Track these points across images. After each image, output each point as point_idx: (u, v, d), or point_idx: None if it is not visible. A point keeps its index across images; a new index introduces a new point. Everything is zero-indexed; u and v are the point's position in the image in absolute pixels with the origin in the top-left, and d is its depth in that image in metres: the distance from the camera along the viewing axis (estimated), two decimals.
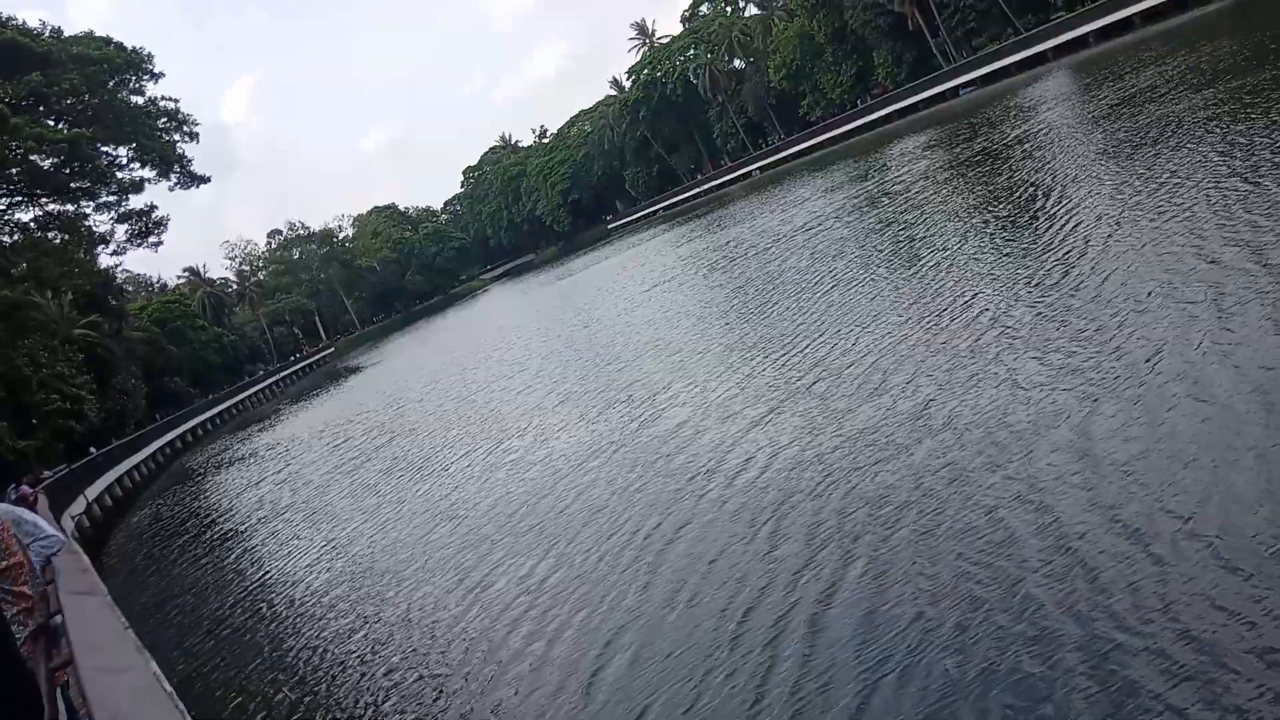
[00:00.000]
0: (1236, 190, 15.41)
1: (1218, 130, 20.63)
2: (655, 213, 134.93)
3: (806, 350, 18.19)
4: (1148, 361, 10.54)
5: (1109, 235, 16.35)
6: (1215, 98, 24.92)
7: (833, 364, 16.25)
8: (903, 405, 12.69)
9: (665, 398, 19.52)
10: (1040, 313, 13.97)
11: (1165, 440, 8.76)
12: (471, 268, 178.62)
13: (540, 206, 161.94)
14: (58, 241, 52.57)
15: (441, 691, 10.43)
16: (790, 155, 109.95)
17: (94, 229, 55.79)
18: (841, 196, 44.72)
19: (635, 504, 13.69)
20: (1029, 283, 15.80)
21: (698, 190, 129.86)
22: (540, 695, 9.34)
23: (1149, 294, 12.53)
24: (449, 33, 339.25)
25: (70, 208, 53.27)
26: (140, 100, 55.65)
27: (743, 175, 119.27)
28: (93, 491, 43.46)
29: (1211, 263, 12.59)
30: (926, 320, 16.51)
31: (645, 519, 12.81)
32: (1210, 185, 16.43)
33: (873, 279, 22.29)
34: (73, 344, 59.70)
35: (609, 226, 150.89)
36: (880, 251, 25.68)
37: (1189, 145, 20.42)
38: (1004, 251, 19.08)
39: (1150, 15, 65.41)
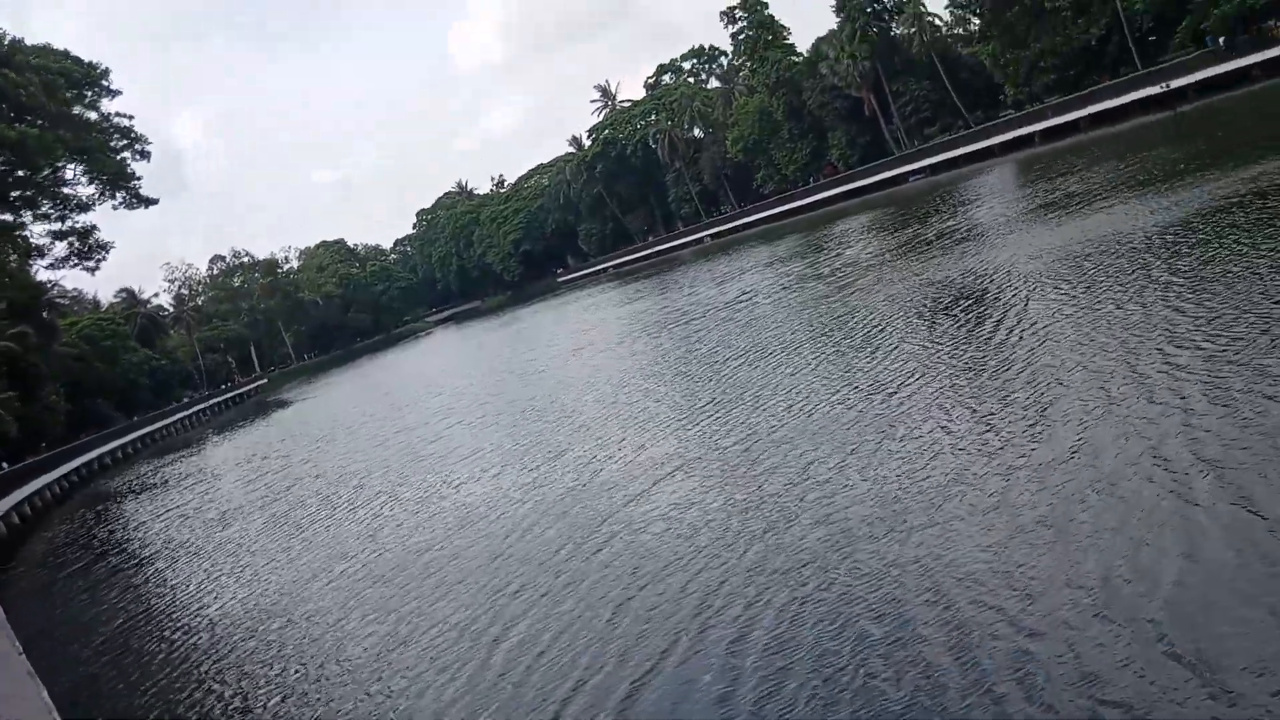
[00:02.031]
0: (1142, 298, 16.04)
1: (1133, 240, 21.51)
2: (606, 270, 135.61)
3: (713, 419, 18.53)
4: (1041, 427, 10.87)
5: (1017, 324, 16.91)
6: (1133, 207, 26.14)
7: (735, 435, 16.52)
8: (791, 473, 12.94)
9: (572, 457, 19.95)
10: (944, 393, 14.38)
11: (1060, 512, 9.01)
12: (416, 309, 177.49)
13: (491, 254, 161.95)
14: None
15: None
16: (741, 225, 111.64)
17: (30, 240, 54.62)
18: (777, 273, 45.85)
19: (513, 562, 13.94)
20: (940, 365, 16.22)
21: (649, 251, 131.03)
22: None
23: (1056, 376, 12.95)
24: (413, 77, 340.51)
25: (8, 216, 52.13)
26: (94, 116, 54.96)
27: (695, 241, 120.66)
28: (1, 507, 41.97)
29: (1107, 352, 13.06)
30: (829, 394, 16.98)
31: (523, 576, 12.99)
32: (1115, 292, 17.07)
33: (788, 355, 23.01)
34: None
35: (558, 279, 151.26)
36: (798, 330, 26.45)
37: (1103, 251, 21.24)
38: (918, 337, 19.69)
39: (1097, 119, 68.09)
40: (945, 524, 10.04)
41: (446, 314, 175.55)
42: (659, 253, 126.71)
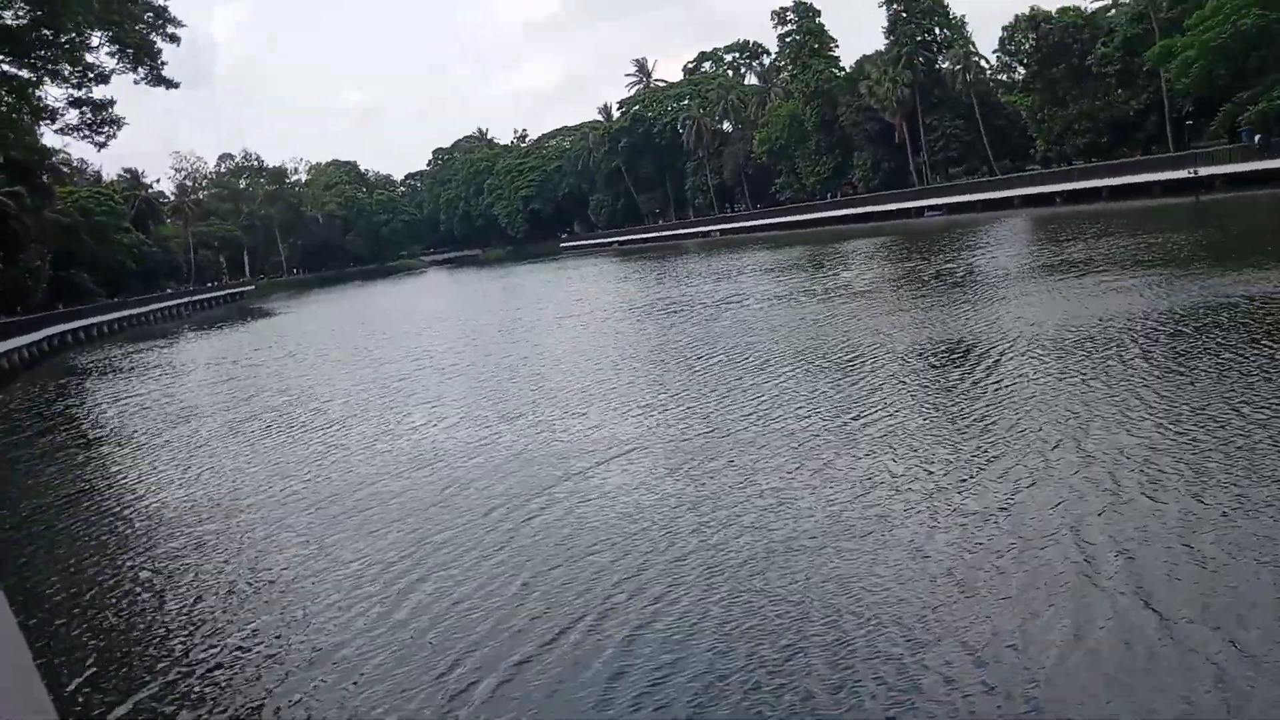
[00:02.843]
0: (1116, 375, 16.20)
1: (1116, 319, 21.66)
2: (611, 244, 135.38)
3: (675, 411, 18.60)
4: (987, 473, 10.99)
5: (983, 379, 17.03)
6: (1128, 286, 26.32)
7: (692, 430, 16.62)
8: (735, 477, 13.06)
9: (530, 420, 20.04)
10: (896, 430, 14.46)
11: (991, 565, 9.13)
12: (415, 245, 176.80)
13: (499, 206, 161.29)
14: (3, 102, 50.70)
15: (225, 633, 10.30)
16: (752, 226, 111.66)
17: (44, 101, 53.90)
18: (773, 280, 45.97)
19: (448, 512, 13.95)
20: (899, 404, 16.34)
21: (656, 234, 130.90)
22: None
23: (1004, 435, 13.07)
24: (454, 17, 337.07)
25: (26, 74, 51.44)
26: None
27: (703, 233, 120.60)
28: None
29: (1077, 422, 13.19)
30: (791, 408, 17.06)
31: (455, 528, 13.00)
32: (1097, 371, 17.22)
33: (761, 363, 23.17)
34: None
35: (562, 244, 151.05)
36: (777, 341, 26.59)
37: (1085, 324, 21.41)
38: (886, 372, 19.81)
39: (1120, 191, 68.29)
40: (861, 555, 10.18)
41: (444, 257, 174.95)
42: (665, 238, 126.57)
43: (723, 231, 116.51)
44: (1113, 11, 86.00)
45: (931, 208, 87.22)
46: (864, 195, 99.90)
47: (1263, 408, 13.25)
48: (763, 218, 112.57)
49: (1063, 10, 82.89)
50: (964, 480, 12.20)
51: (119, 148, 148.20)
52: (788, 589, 9.68)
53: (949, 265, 40.47)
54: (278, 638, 10.25)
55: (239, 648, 10.15)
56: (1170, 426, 13.03)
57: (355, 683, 8.88)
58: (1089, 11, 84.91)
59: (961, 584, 9.20)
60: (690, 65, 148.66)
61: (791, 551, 10.61)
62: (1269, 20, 59.02)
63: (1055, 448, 12.83)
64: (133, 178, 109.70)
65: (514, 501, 14.01)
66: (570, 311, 45.45)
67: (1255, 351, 16.76)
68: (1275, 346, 16.85)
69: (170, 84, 56.80)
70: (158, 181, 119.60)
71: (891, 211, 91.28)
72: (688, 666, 8.38)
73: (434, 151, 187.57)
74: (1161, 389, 15.12)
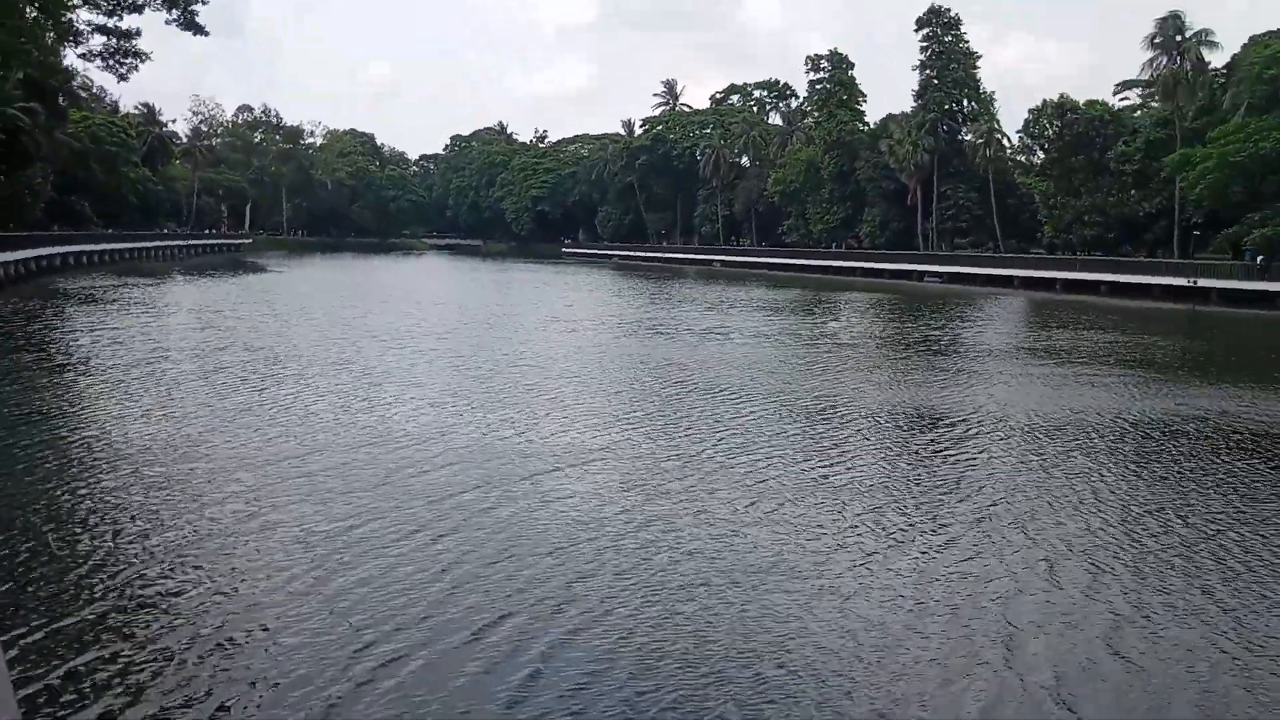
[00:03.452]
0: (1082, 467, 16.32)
1: (1085, 414, 21.84)
2: (612, 257, 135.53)
3: (644, 429, 18.63)
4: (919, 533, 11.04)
5: (945, 449, 17.13)
6: (1104, 383, 26.51)
7: (658, 450, 16.66)
8: (692, 503, 13.07)
9: (499, 416, 20.02)
10: (853, 484, 14.53)
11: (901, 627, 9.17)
12: (418, 226, 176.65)
13: (509, 202, 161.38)
14: (32, 16, 50.49)
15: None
16: (753, 263, 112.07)
17: (73, 23, 53.73)
18: (763, 318, 46.17)
19: (394, 493, 13.90)
20: (862, 460, 16.42)
21: (659, 255, 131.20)
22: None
23: (950, 509, 13.15)
24: (491, 9, 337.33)
25: None
26: None
27: (704, 261, 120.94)
28: None
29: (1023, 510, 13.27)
30: (759, 442, 17.10)
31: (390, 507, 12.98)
32: (1068, 455, 17.34)
33: (734, 395, 23.21)
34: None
35: (563, 248, 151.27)
36: (755, 378, 26.65)
37: (1053, 413, 21.58)
38: (855, 426, 19.89)
39: (1118, 288, 68.82)
40: (795, 598, 10.22)
41: (445, 242, 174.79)
42: (668, 260, 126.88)
43: (724, 263, 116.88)
44: (1139, 113, 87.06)
45: (932, 274, 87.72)
46: (868, 250, 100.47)
47: (1210, 520, 13.38)
48: (766, 256, 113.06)
49: (1090, 103, 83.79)
50: (908, 542, 12.29)
51: (140, 84, 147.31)
52: (718, 620, 9.71)
53: (936, 333, 40.79)
54: (202, 592, 10.17)
55: (160, 596, 10.08)
56: (1118, 525, 13.14)
57: (267, 649, 8.83)
58: (1115, 108, 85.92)
59: (885, 641, 9.25)
60: (719, 95, 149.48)
61: (730, 584, 10.67)
62: None
63: (1003, 526, 12.92)
64: (149, 114, 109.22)
65: (465, 492, 13.99)
66: (559, 316, 45.56)
67: (1213, 465, 16.94)
68: (1232, 463, 17.02)
69: (201, 30, 56.65)
70: (173, 122, 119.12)
71: (892, 271, 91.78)
72: (601, 683, 8.38)
73: (452, 137, 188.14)
74: (1117, 487, 15.26)
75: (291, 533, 11.94)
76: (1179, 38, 75.94)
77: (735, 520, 13.05)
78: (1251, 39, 76.84)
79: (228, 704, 7.85)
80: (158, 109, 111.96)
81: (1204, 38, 75.83)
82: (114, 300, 46.07)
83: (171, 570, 10.70)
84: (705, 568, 11.19)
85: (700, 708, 7.96)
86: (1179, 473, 16.37)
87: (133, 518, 12.68)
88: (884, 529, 12.79)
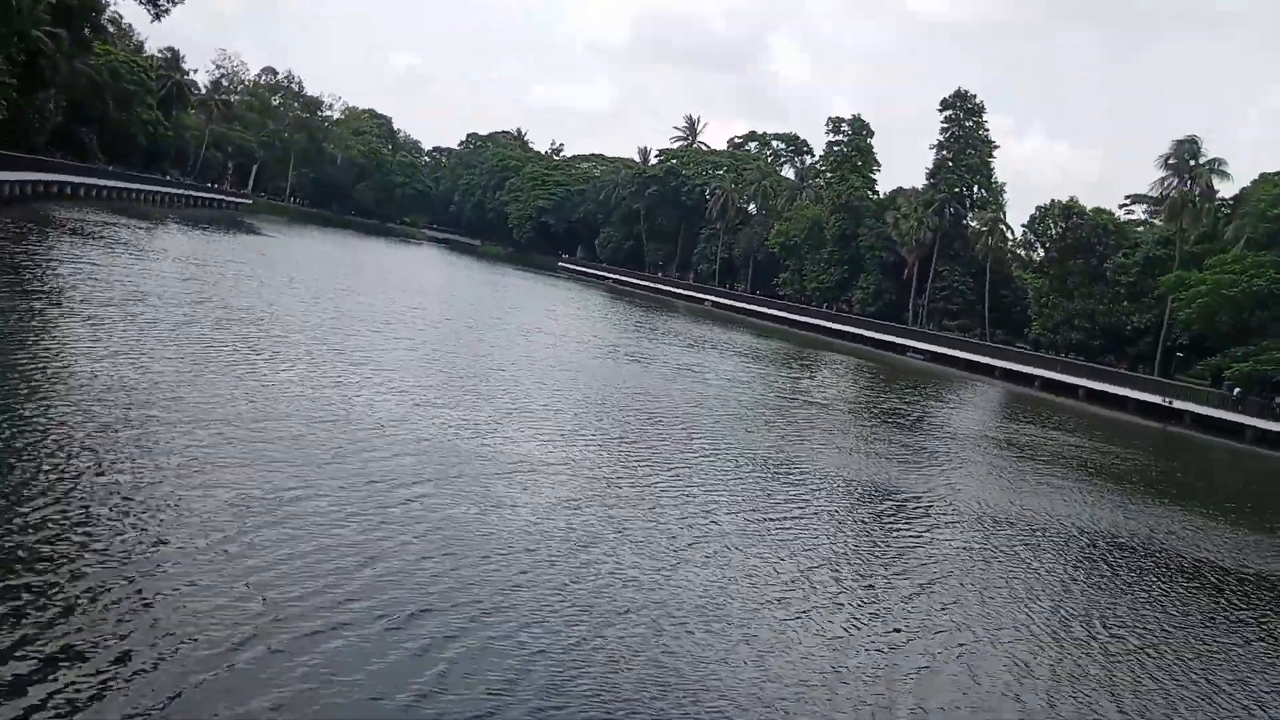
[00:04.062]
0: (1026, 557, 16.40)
1: (1037, 515, 21.99)
2: (607, 279, 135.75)
3: (609, 453, 18.63)
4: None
5: (893, 526, 17.19)
6: (1061, 486, 26.70)
7: (618, 477, 16.67)
8: (641, 536, 13.09)
9: (464, 415, 19.99)
10: (800, 540, 14.56)
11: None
12: (420, 216, 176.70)
13: (513, 207, 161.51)
14: None
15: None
16: (744, 309, 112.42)
17: None
18: (742, 363, 46.24)
19: (344, 476, 13.82)
20: (816, 520, 16.46)
21: (653, 285, 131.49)
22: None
23: (891, 586, 13.20)
24: (525, 19, 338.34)
25: None
26: None
27: (697, 299, 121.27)
28: None
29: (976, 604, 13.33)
30: (719, 487, 17.14)
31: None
32: (1017, 541, 17.43)
33: (701, 436, 23.20)
34: (23, 40, 56.91)
35: (560, 262, 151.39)
36: (723, 421, 26.66)
37: (1005, 507, 21.72)
38: (810, 485, 19.95)
39: (1095, 395, 69.38)
40: (720, 640, 10.24)
41: (444, 236, 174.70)
42: (661, 291, 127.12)
43: (716, 304, 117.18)
44: (1142, 228, 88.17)
45: (916, 350, 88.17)
46: (857, 316, 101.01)
47: (1135, 635, 13.51)
48: (758, 304, 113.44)
49: (1097, 210, 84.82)
50: (838, 608, 12.34)
51: (168, 28, 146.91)
52: (635, 651, 9.72)
53: (906, 407, 40.99)
54: (125, 541, 10.06)
55: (84, 538, 9.96)
56: (1044, 625, 13.26)
57: (176, 610, 8.74)
58: (1120, 219, 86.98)
59: (792, 702, 9.27)
60: (738, 140, 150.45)
61: (656, 617, 10.73)
62: None
63: (934, 608, 12.98)
64: (172, 59, 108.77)
65: (414, 484, 13.96)
66: (542, 327, 45.52)
67: (1150, 582, 17.10)
68: (1170, 584, 17.19)
69: None
70: (195, 72, 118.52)
71: (878, 340, 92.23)
72: (507, 695, 8.35)
73: (468, 134, 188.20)
74: (1051, 588, 15.41)
75: (229, 495, 11.86)
76: (1193, 162, 77.07)
77: (674, 556, 13.10)
78: (1262, 176, 78.07)
79: (127, 654, 7.77)
80: (182, 56, 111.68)
81: (1217, 166, 76.99)
82: (101, 236, 45.69)
83: (102, 514, 10.60)
84: (636, 598, 11.22)
85: None
86: (1115, 584, 16.50)
87: (77, 457, 12.52)
88: (817, 590, 12.83)
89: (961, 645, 11.62)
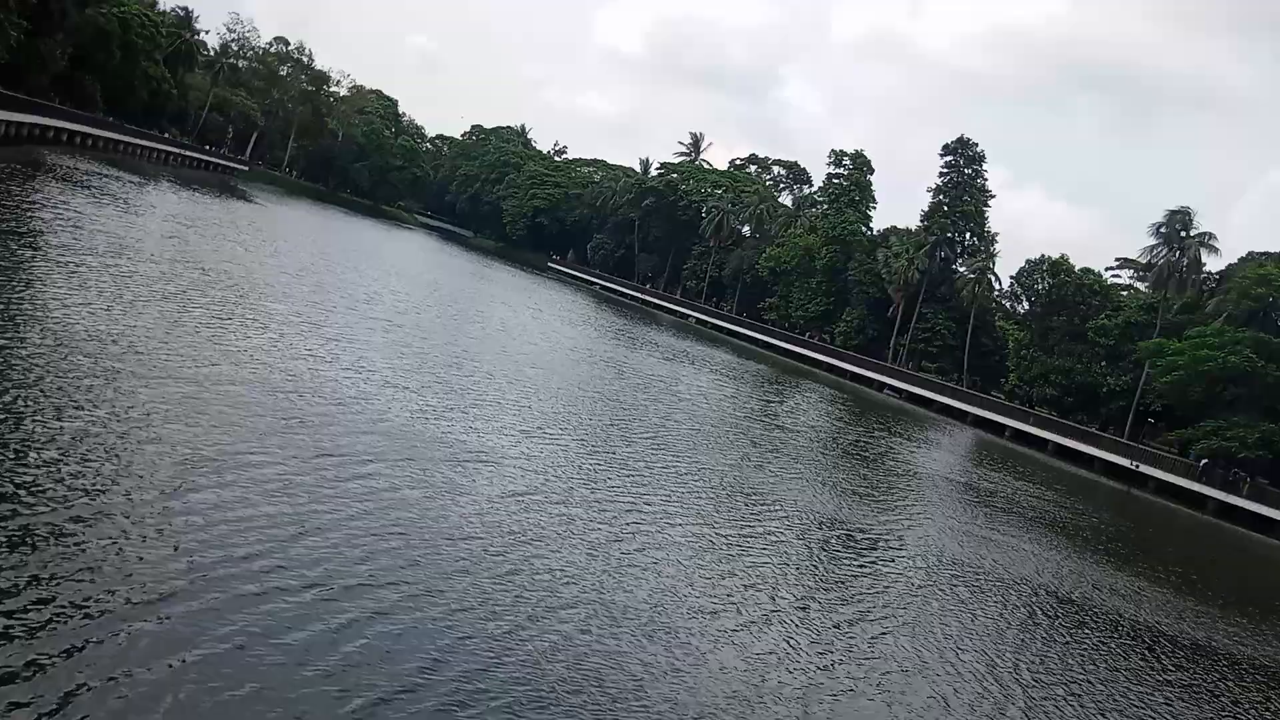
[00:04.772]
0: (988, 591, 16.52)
1: (983, 561, 22.15)
2: (595, 285, 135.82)
3: (576, 455, 18.65)
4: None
5: (845, 554, 17.29)
6: (1017, 537, 26.91)
7: (579, 477, 16.70)
8: (601, 539, 13.10)
9: (431, 402, 19.93)
10: (750, 564, 14.63)
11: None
12: (414, 201, 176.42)
13: (510, 203, 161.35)
14: None
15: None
16: (727, 329, 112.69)
17: None
18: (717, 381, 46.33)
19: (301, 449, 13.79)
20: (773, 548, 16.53)
21: (639, 295, 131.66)
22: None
23: (837, 617, 13.28)
24: (544, 17, 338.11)
25: None
26: None
27: (681, 314, 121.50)
28: None
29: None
30: (678, 495, 17.19)
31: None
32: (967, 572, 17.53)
33: (667, 447, 23.20)
34: None
35: (550, 262, 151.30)
36: (689, 434, 26.69)
37: (958, 551, 21.86)
38: (769, 512, 20.01)
39: (1063, 451, 69.93)
40: (641, 648, 10.24)
41: (436, 224, 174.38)
42: (647, 303, 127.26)
43: (701, 321, 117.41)
44: (1126, 293, 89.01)
45: (893, 388, 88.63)
46: (838, 349, 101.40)
47: (1061, 681, 13.66)
48: (742, 325, 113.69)
49: (1084, 270, 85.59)
50: (767, 625, 12.45)
51: None
52: (566, 645, 9.80)
53: (870, 440, 41.15)
54: (57, 486, 9.98)
55: (15, 479, 9.89)
56: (971, 663, 13.34)
57: (106, 560, 8.73)
58: (1106, 281, 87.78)
59: (703, 703, 9.35)
60: (739, 161, 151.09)
61: (598, 615, 10.83)
62: (1255, 365, 61.37)
63: (864, 638, 13.06)
64: (184, 18, 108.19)
65: (368, 462, 13.94)
66: (523, 324, 45.50)
67: (1080, 635, 17.27)
68: (1098, 640, 17.35)
69: None
70: (206, 33, 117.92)
71: (856, 374, 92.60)
72: (433, 671, 8.37)
73: (473, 126, 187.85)
74: (985, 630, 15.52)
75: (178, 453, 11.82)
76: (1184, 233, 78.03)
77: (617, 560, 13.16)
78: (1250, 254, 79.15)
79: (53, 596, 7.76)
80: (194, 15, 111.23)
81: (1207, 240, 77.94)
82: (92, 186, 45.41)
83: (47, 459, 10.54)
84: (573, 595, 11.29)
85: None
86: (1050, 634, 16.63)
87: (33, 400, 12.44)
88: (751, 608, 12.91)
89: (885, 675, 11.71)
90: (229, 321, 21.67)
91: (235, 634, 8.08)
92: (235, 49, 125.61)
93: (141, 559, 8.81)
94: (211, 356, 17.46)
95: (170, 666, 7.40)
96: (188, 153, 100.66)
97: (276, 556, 9.78)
